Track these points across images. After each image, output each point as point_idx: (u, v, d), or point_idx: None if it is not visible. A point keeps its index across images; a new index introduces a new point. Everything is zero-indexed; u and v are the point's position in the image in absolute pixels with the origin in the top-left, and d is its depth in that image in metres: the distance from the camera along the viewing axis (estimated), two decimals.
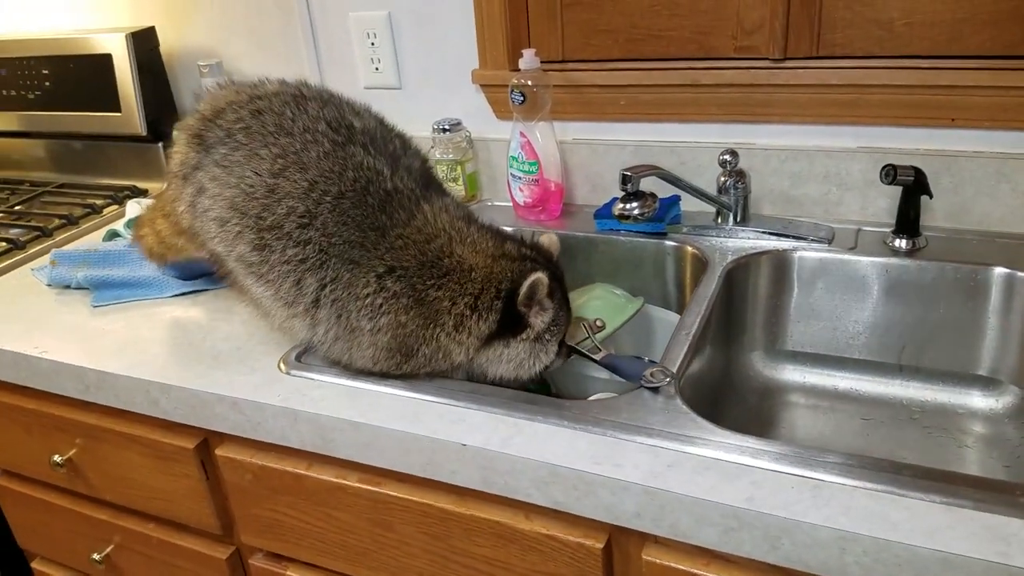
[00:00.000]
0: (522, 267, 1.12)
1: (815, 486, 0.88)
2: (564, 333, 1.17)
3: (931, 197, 1.38)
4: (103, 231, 1.74)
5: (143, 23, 2.00)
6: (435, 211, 1.16)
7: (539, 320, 1.12)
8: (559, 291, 1.15)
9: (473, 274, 1.10)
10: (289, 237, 1.12)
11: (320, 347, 1.17)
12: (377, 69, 1.82)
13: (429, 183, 1.23)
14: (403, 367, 1.12)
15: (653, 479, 0.91)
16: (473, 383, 1.14)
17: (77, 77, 2.03)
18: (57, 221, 1.85)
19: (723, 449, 0.95)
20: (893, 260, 1.37)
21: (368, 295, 1.10)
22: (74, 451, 1.40)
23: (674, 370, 1.11)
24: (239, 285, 1.22)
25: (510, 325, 1.11)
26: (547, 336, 1.13)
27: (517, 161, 1.61)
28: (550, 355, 1.15)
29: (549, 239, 1.22)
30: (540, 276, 1.08)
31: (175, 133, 1.29)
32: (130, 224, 1.63)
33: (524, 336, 1.12)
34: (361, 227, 1.12)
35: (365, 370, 1.15)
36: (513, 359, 1.13)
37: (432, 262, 1.11)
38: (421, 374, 1.13)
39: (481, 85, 1.71)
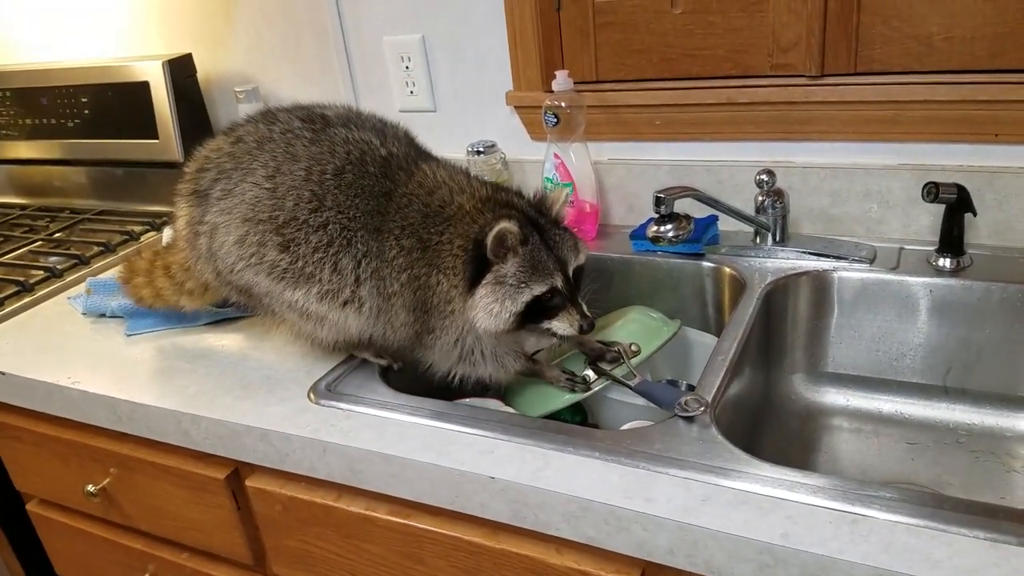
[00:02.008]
0: (498, 215, 1.11)
1: (853, 521, 0.85)
2: (539, 282, 1.11)
3: (975, 214, 1.34)
4: None
5: (180, 50, 2.02)
6: (433, 168, 1.21)
7: (506, 265, 1.11)
8: (537, 239, 1.12)
9: (469, 219, 1.14)
10: (307, 224, 1.16)
11: (367, 331, 1.20)
12: (412, 92, 1.82)
13: (420, 150, 1.27)
14: (428, 324, 1.16)
15: (686, 514, 0.89)
16: (502, 412, 1.12)
17: (115, 105, 2.06)
18: (95, 248, 1.87)
19: (759, 482, 0.92)
20: (937, 280, 1.34)
21: (394, 257, 1.15)
22: (108, 481, 1.40)
23: (709, 398, 1.08)
24: (277, 306, 1.22)
25: (483, 272, 1.12)
26: (511, 280, 1.10)
27: (552, 183, 1.59)
28: (517, 303, 1.10)
29: (556, 193, 1.21)
30: (504, 225, 1.07)
31: (174, 202, 1.32)
32: None
33: (486, 280, 1.11)
34: (372, 195, 1.17)
35: (404, 340, 1.19)
36: (484, 307, 1.11)
37: (435, 212, 1.15)
38: (446, 338, 1.16)
39: (515, 107, 1.70)
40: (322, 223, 1.15)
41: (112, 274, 1.54)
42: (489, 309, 1.11)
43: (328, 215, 1.15)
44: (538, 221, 1.14)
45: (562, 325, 1.14)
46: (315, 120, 1.22)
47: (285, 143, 1.20)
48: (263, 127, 1.23)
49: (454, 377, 1.21)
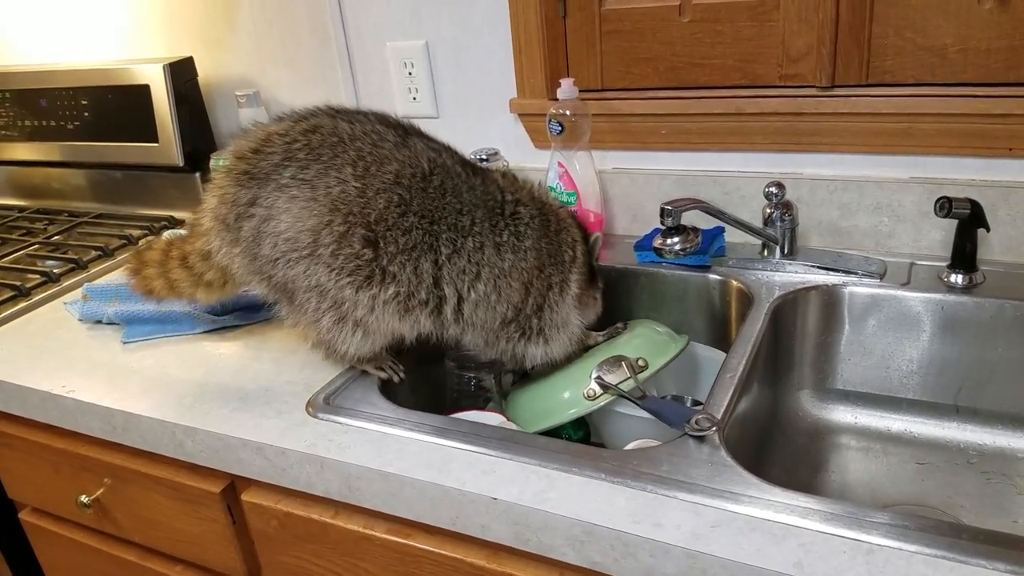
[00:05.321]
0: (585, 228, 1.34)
1: (868, 551, 0.82)
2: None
3: (988, 230, 1.31)
4: None
5: (181, 53, 1.99)
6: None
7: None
8: None
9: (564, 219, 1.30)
10: (397, 227, 1.15)
11: (454, 325, 1.22)
12: (415, 98, 1.80)
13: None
14: (554, 278, 1.24)
15: (696, 541, 0.86)
16: (504, 430, 1.10)
17: (115, 108, 2.03)
18: (93, 253, 1.85)
19: (770, 508, 0.89)
20: (949, 296, 1.31)
21: (507, 235, 1.20)
22: (102, 491, 1.38)
23: (719, 417, 1.05)
24: (315, 304, 1.16)
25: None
26: (601, 287, 1.36)
27: (555, 191, 1.57)
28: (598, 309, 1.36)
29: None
30: (599, 234, 1.35)
31: (212, 177, 1.22)
32: None
33: (600, 284, 1.35)
34: (468, 191, 1.19)
35: (516, 306, 1.22)
36: (589, 304, 1.32)
37: (539, 198, 1.27)
38: (562, 310, 1.26)
39: (519, 114, 1.68)
40: (408, 227, 1.14)
41: (107, 280, 1.51)
42: (593, 309, 1.34)
43: (413, 220, 1.14)
44: None
45: None
46: (396, 127, 1.20)
47: (371, 143, 1.16)
48: (343, 123, 1.17)
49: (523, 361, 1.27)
